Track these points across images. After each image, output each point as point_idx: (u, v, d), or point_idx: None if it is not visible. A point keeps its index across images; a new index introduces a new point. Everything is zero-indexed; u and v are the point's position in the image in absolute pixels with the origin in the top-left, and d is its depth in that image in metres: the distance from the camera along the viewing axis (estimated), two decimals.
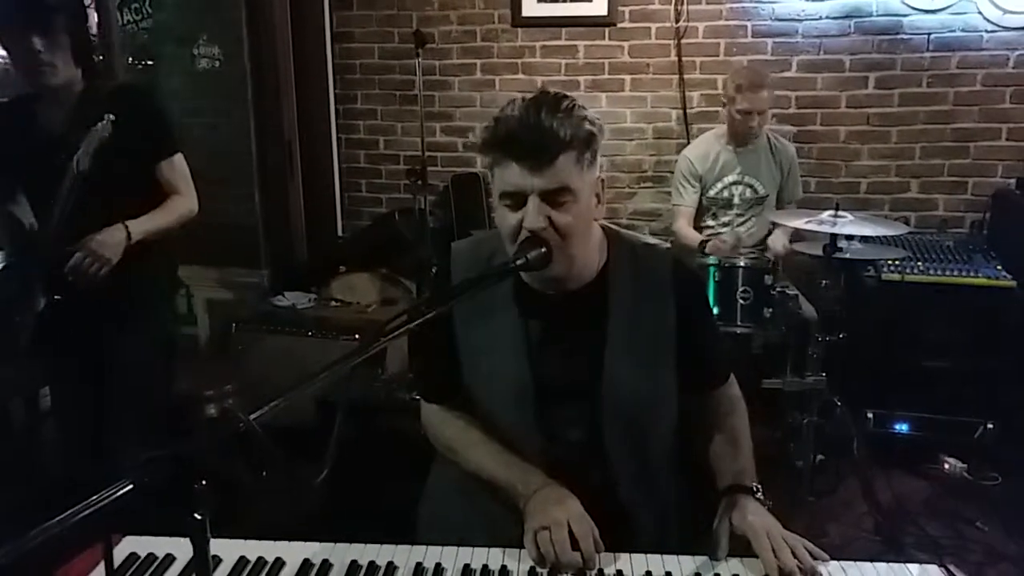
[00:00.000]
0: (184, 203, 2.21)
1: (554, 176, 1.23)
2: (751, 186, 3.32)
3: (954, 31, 3.53)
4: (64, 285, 2.03)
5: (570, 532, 1.19)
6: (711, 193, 3.35)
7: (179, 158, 2.22)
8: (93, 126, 1.93)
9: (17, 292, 2.11)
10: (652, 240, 1.53)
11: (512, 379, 1.39)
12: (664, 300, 1.40)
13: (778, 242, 3.27)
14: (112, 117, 1.91)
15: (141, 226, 2.08)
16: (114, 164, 1.98)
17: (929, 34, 3.56)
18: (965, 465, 3.05)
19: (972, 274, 3.07)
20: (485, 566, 1.21)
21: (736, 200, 3.34)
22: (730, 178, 3.32)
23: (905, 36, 3.59)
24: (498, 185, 1.27)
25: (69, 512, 0.70)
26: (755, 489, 1.34)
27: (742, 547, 1.26)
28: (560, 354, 1.39)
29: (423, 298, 3.36)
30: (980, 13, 3.47)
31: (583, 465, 1.39)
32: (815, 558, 1.21)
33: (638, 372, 1.38)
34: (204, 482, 0.76)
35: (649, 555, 1.25)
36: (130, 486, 0.73)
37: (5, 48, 2.05)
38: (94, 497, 0.72)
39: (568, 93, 1.29)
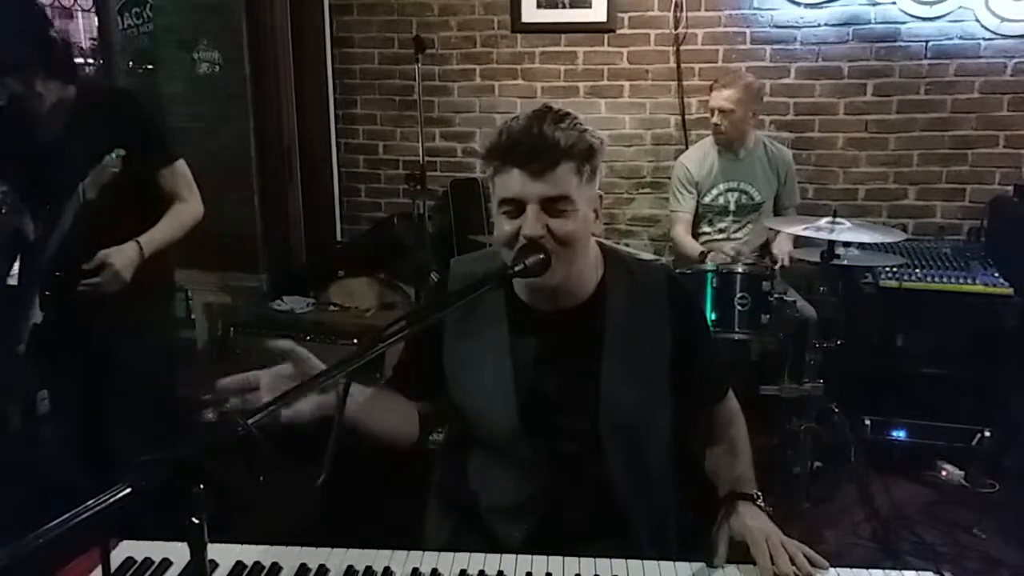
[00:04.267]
0: (189, 210, 2.18)
1: (554, 184, 1.22)
2: (746, 192, 3.32)
3: (952, 39, 3.55)
4: (59, 302, 2.00)
5: None
6: (706, 200, 3.35)
7: (180, 164, 2.19)
8: (93, 140, 1.91)
9: (16, 303, 2.08)
10: (647, 256, 1.55)
11: (500, 396, 1.36)
12: (660, 318, 1.39)
13: (783, 250, 3.19)
14: (123, 153, 1.89)
15: (152, 242, 2.04)
16: (116, 177, 1.95)
17: (927, 42, 3.58)
18: (962, 472, 3.05)
19: (969, 281, 3.07)
20: (482, 571, 1.22)
21: (732, 207, 3.34)
22: (725, 185, 3.33)
23: (903, 43, 3.60)
24: (498, 192, 1.26)
25: (67, 516, 0.70)
26: (755, 496, 1.34)
27: (740, 554, 1.26)
28: (553, 373, 1.37)
29: (422, 303, 3.36)
30: (978, 21, 3.48)
31: (580, 478, 1.38)
32: (814, 565, 1.21)
33: (634, 392, 1.36)
34: (202, 486, 0.76)
35: (646, 562, 1.25)
36: (128, 490, 0.73)
37: None
38: (91, 501, 0.71)
39: (570, 111, 1.28)
